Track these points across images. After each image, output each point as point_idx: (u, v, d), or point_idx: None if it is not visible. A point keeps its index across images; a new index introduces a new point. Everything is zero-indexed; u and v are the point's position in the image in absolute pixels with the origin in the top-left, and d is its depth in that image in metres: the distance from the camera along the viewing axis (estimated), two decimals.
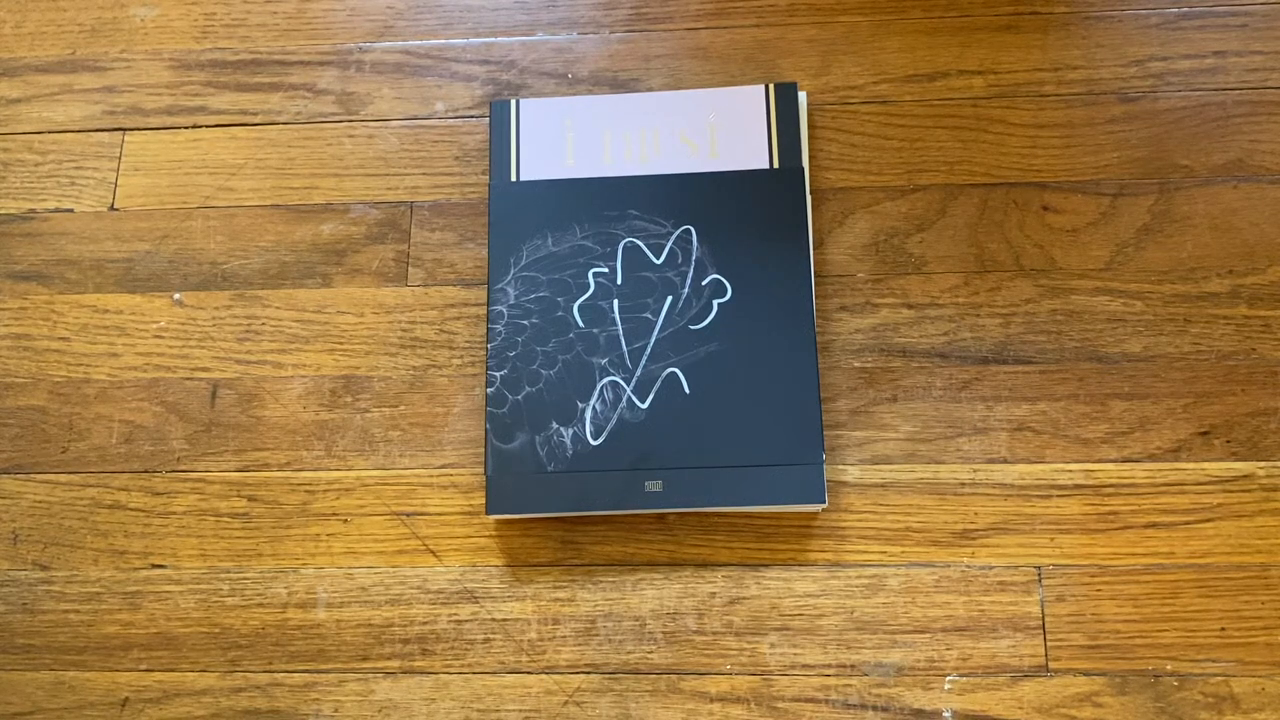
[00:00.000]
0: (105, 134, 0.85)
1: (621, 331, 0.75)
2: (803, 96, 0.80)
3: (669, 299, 0.75)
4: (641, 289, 0.76)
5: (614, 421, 0.73)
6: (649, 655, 0.70)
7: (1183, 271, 0.75)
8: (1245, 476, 0.71)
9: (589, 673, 0.70)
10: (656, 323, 0.75)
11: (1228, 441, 0.72)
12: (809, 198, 0.78)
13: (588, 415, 0.73)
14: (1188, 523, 0.70)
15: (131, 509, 0.76)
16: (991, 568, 0.70)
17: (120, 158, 0.84)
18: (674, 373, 0.74)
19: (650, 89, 0.82)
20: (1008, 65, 0.81)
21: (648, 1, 0.85)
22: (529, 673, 0.71)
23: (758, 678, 0.69)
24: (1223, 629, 0.69)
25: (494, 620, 0.72)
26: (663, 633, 0.71)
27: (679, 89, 0.82)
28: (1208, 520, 0.70)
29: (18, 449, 0.78)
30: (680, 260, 0.76)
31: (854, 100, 0.81)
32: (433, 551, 0.73)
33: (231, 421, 0.77)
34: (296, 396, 0.77)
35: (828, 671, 0.69)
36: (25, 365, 0.79)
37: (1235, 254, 0.75)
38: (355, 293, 0.79)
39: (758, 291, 0.75)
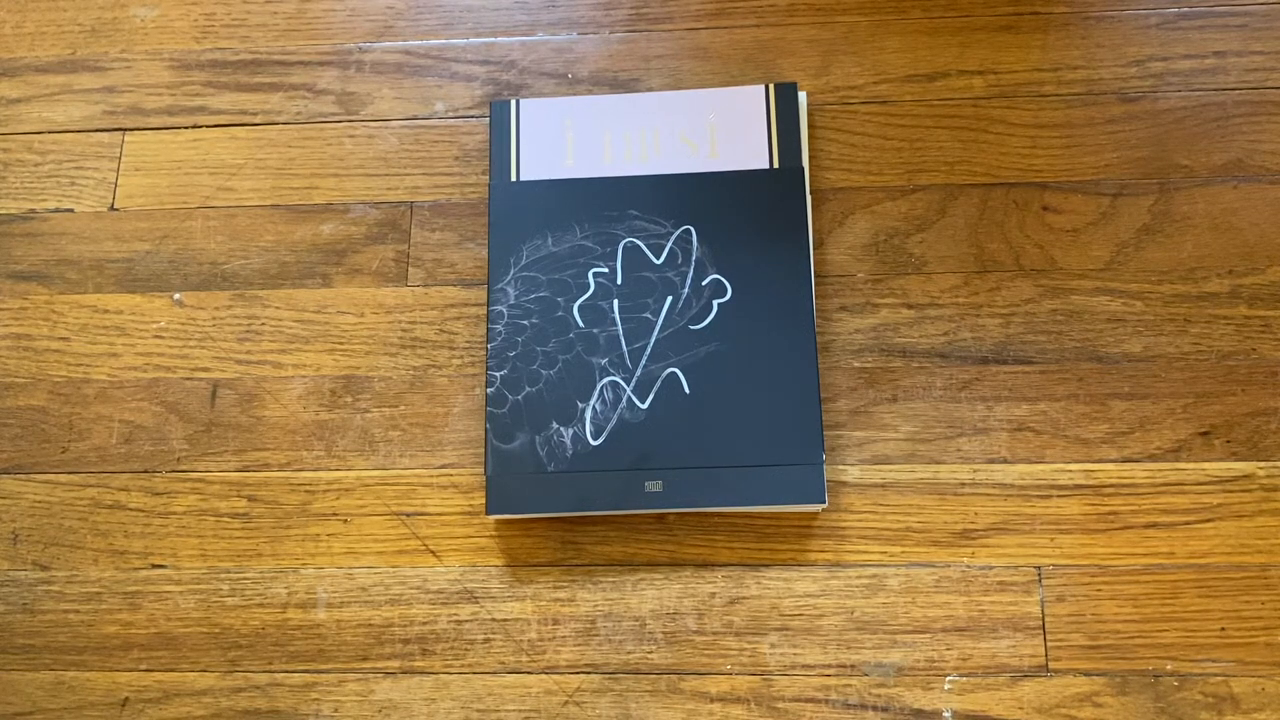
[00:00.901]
0: (105, 134, 0.85)
1: (621, 331, 0.75)
2: (803, 96, 0.80)
3: (669, 299, 0.75)
4: (641, 289, 0.76)
5: (614, 421, 0.73)
6: (649, 655, 0.70)
7: (1183, 271, 0.75)
8: (1245, 476, 0.71)
9: (589, 673, 0.70)
10: (656, 323, 0.75)
11: (1228, 441, 0.72)
12: (809, 198, 0.78)
13: (588, 415, 0.73)
14: (1188, 523, 0.70)
15: (131, 509, 0.76)
16: (991, 568, 0.70)
17: (120, 158, 0.84)
18: (674, 373, 0.74)
19: (650, 89, 0.82)
20: (1008, 65, 0.81)
21: (648, 1, 0.85)
22: (529, 673, 0.71)
23: (758, 678, 0.69)
24: (1223, 629, 0.69)
25: (494, 620, 0.72)
26: (663, 633, 0.71)
27: (679, 89, 0.82)
28: (1208, 520, 0.70)
29: (18, 449, 0.78)
30: (680, 260, 0.76)
31: (854, 100, 0.81)
32: (433, 551, 0.73)
33: (231, 421, 0.77)
34: (296, 396, 0.77)
35: (828, 671, 0.69)
36: (25, 365, 0.79)
37: (1235, 254, 0.75)
38: (355, 293, 0.79)
39: (758, 291, 0.75)
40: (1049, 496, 0.71)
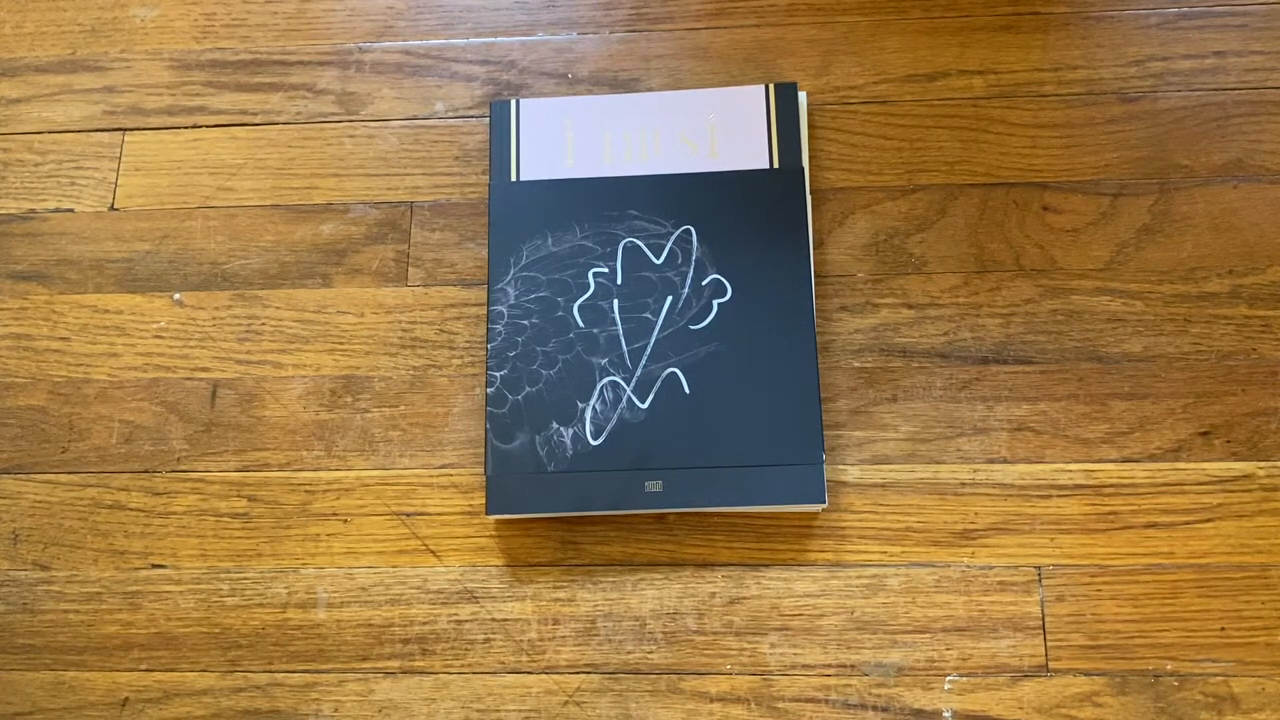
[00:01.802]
0: (105, 134, 0.85)
1: (621, 331, 0.75)
2: (803, 96, 0.80)
3: (669, 299, 0.75)
4: (641, 289, 0.76)
5: (614, 421, 0.73)
6: (649, 655, 0.70)
7: (1183, 271, 0.75)
8: (1245, 476, 0.71)
9: (589, 673, 0.70)
10: (656, 323, 0.75)
11: (1228, 441, 0.72)
12: (809, 198, 0.78)
13: (588, 415, 0.73)
14: (1188, 523, 0.70)
15: (131, 509, 0.76)
16: (991, 568, 0.70)
17: (120, 158, 0.84)
18: (674, 373, 0.74)
19: (650, 89, 0.82)
20: (1008, 65, 0.81)
21: (648, 1, 0.85)
22: (529, 673, 0.71)
23: (758, 678, 0.69)
24: (1223, 629, 0.69)
25: (494, 620, 0.72)
26: (663, 633, 0.71)
27: (679, 89, 0.82)
28: (1208, 520, 0.70)
29: (18, 449, 0.78)
30: (680, 260, 0.76)
31: (854, 100, 0.81)
32: (433, 551, 0.73)
33: (231, 421, 0.77)
34: (296, 396, 0.77)
35: (828, 671, 0.69)
36: (25, 365, 0.79)
37: (1235, 254, 0.75)
38: (355, 293, 0.79)
39: (758, 291, 0.75)
40: (1049, 496, 0.71)
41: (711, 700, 0.69)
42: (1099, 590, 0.70)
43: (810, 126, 0.80)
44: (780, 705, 0.69)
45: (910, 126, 0.80)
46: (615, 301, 0.75)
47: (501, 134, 0.80)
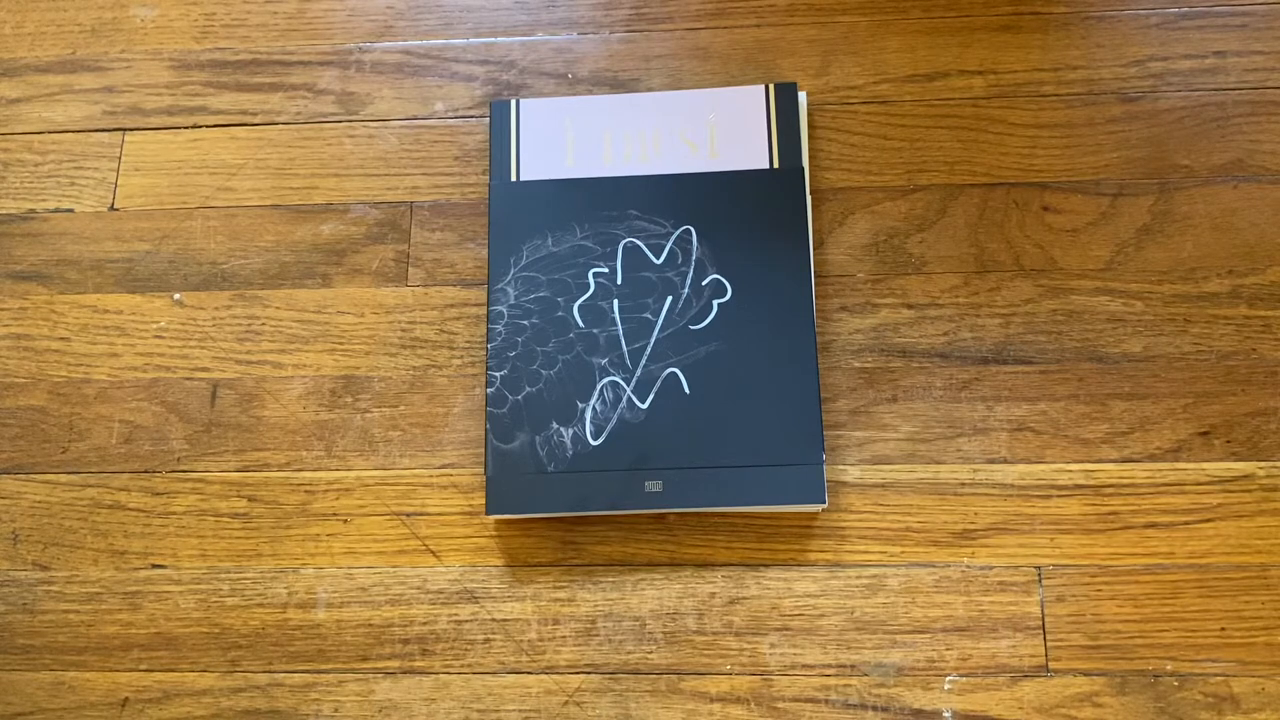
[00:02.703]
0: (105, 134, 0.85)
1: (621, 331, 0.75)
2: (803, 96, 0.80)
3: (669, 299, 0.75)
4: (641, 289, 0.76)
5: (614, 421, 0.73)
6: (649, 655, 0.70)
7: (1183, 271, 0.75)
8: (1245, 476, 0.71)
9: (589, 673, 0.70)
10: (656, 323, 0.75)
11: (1228, 441, 0.72)
12: (809, 198, 0.78)
13: (588, 415, 0.73)
14: (1188, 523, 0.70)
15: (131, 509, 0.76)
16: (991, 568, 0.70)
17: (120, 158, 0.84)
18: (674, 373, 0.74)
19: (650, 89, 0.82)
20: (1008, 65, 0.81)
21: (648, 1, 0.85)
22: (529, 673, 0.71)
23: (758, 678, 0.69)
24: (1223, 629, 0.69)
25: (494, 620, 0.72)
26: (663, 633, 0.71)
27: (679, 89, 0.82)
28: (1208, 520, 0.70)
29: (18, 449, 0.78)
30: (680, 260, 0.76)
31: (854, 100, 0.81)
32: (433, 551, 0.73)
33: (231, 421, 0.77)
34: (296, 396, 0.77)
35: (828, 671, 0.69)
36: (25, 365, 0.79)
37: (1235, 254, 0.75)
38: (355, 293, 0.79)
39: (758, 291, 0.75)
40: (1049, 496, 0.71)
41: (711, 700, 0.69)
42: (1099, 590, 0.70)
43: (810, 126, 0.80)
44: (780, 705, 0.69)
45: (910, 126, 0.80)
46: (615, 301, 0.75)
47: (501, 134, 0.80)
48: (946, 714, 0.68)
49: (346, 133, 0.83)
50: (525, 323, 0.75)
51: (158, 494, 0.76)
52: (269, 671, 0.72)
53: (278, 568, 0.74)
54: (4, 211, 0.83)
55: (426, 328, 0.78)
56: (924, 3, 0.83)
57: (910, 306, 0.76)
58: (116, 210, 0.83)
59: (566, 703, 0.70)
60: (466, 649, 0.71)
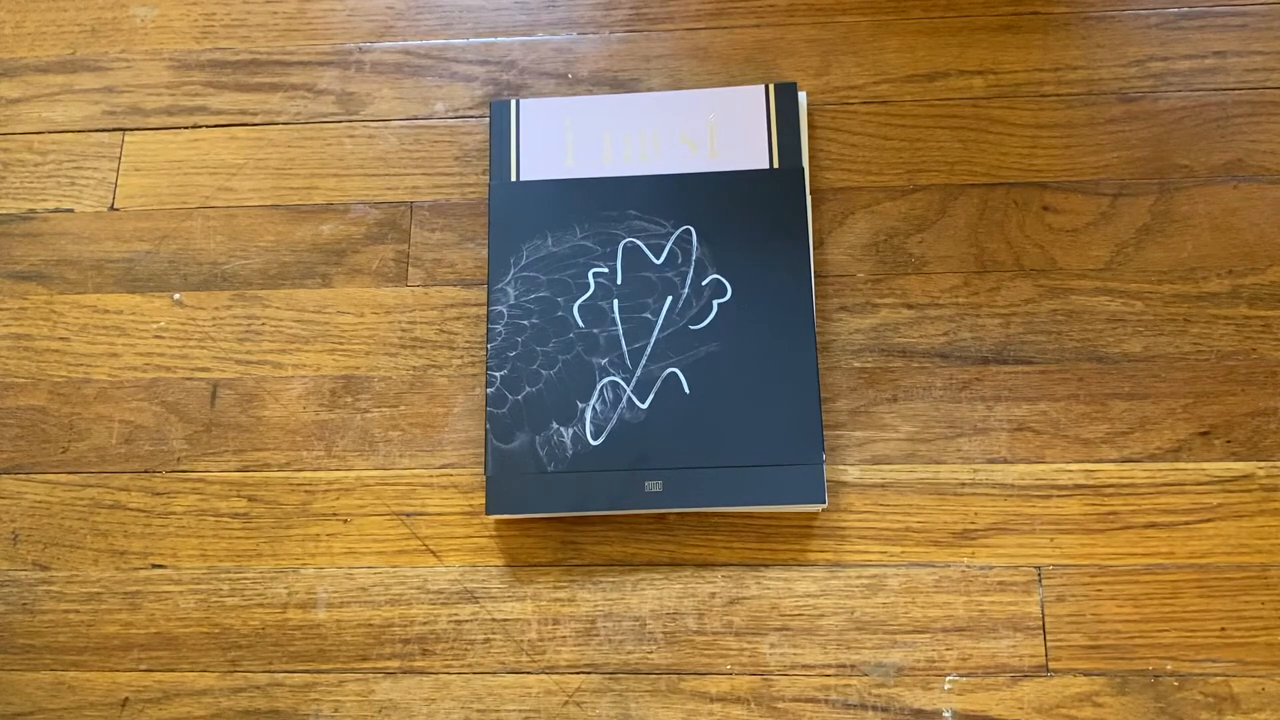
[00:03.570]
0: (105, 134, 0.85)
1: (621, 331, 0.75)
2: (803, 96, 0.80)
3: (669, 299, 0.75)
4: (641, 289, 0.76)
5: (614, 421, 0.73)
6: (649, 655, 0.70)
7: (1183, 271, 0.75)
8: (1245, 476, 0.71)
9: (589, 673, 0.70)
10: (656, 323, 0.75)
11: (1228, 441, 0.72)
12: (809, 198, 0.78)
13: (588, 415, 0.73)
14: (1188, 523, 0.70)
15: (131, 509, 0.76)
16: (991, 568, 0.70)
17: (120, 158, 0.84)
18: (674, 373, 0.74)
19: (650, 89, 0.82)
20: (1008, 65, 0.81)
21: (648, 1, 0.85)
22: (529, 673, 0.71)
23: (758, 678, 0.69)
24: (1223, 629, 0.69)
25: (494, 620, 0.72)
26: (663, 633, 0.71)
27: (679, 89, 0.82)
28: (1208, 520, 0.70)
29: (18, 449, 0.78)
30: (680, 260, 0.76)
31: (854, 100, 0.81)
32: (433, 551, 0.73)
33: (231, 421, 0.77)
34: (296, 396, 0.77)
35: (828, 671, 0.69)
36: (25, 365, 0.79)
37: (1235, 254, 0.75)
38: (355, 293, 0.79)
39: (758, 291, 0.75)
40: (1049, 496, 0.71)
41: (711, 700, 0.69)
42: (1099, 590, 0.70)
43: (810, 126, 0.80)
44: (780, 705, 0.69)
45: (910, 126, 0.80)
46: (615, 301, 0.75)
47: (501, 134, 0.80)
48: (946, 714, 0.68)
49: (346, 133, 0.83)
50: (525, 323, 0.75)
51: (158, 494, 0.76)
52: (269, 671, 0.72)
53: (278, 568, 0.74)
54: (4, 211, 0.83)
55: (426, 328, 0.78)
56: (924, 3, 0.83)
57: (910, 306, 0.76)
58: (116, 210, 0.83)
59: (566, 703, 0.70)
60: (466, 649, 0.71)
